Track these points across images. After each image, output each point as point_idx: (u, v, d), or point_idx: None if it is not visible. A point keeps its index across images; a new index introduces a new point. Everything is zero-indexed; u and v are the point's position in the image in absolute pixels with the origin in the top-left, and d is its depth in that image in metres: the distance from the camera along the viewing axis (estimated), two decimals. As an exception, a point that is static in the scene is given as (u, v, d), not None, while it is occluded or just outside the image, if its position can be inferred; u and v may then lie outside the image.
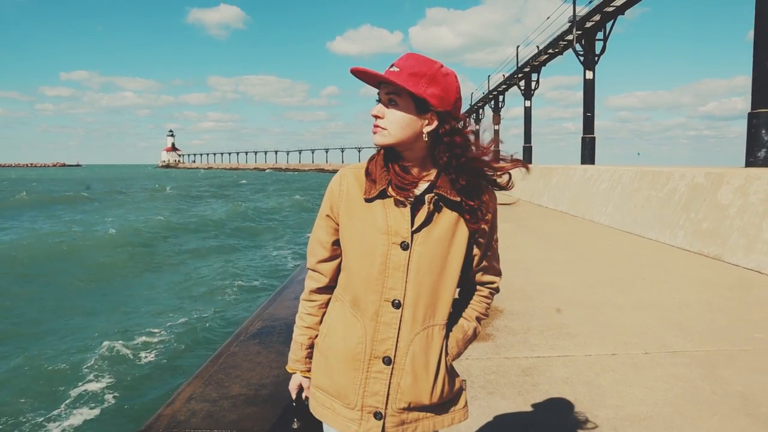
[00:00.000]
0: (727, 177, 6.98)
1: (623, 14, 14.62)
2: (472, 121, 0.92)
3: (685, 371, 3.20)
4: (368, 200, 1.24)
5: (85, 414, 5.69)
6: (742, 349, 3.54)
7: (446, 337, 1.29)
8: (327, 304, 1.37)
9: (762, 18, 8.10)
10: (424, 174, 1.25)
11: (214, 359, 4.02)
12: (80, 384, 6.34)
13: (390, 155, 1.25)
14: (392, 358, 1.23)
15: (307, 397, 1.39)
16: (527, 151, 24.04)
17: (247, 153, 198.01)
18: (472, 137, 1.24)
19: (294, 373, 1.43)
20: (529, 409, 2.76)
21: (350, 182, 1.28)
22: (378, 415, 1.24)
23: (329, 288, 1.36)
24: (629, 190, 9.68)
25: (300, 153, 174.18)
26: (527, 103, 24.09)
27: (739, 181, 6.69)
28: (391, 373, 1.23)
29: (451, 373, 1.31)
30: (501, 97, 31.21)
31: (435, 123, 1.20)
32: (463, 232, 1.25)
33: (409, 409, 1.25)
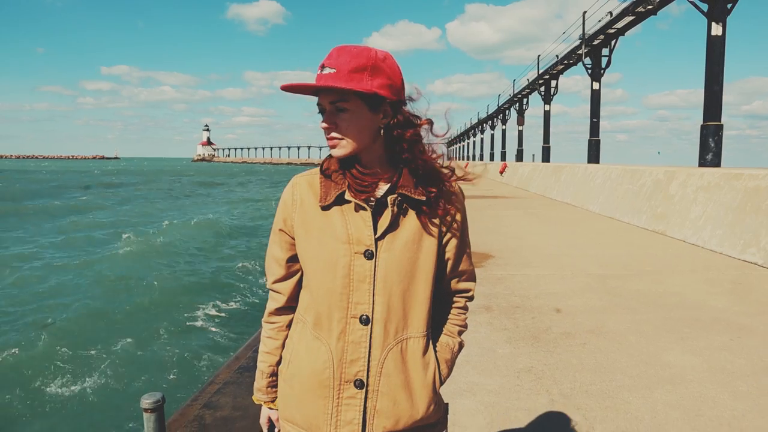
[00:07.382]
0: (677, 174, 9.26)
1: (623, 35, 16.96)
2: (428, 102, 1.16)
3: (589, 280, 5.64)
4: (324, 208, 1.14)
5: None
6: (631, 273, 5.96)
7: (426, 349, 1.17)
8: (289, 326, 1.25)
9: (712, 51, 10.30)
10: (384, 173, 1.15)
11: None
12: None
13: (344, 160, 1.15)
14: (365, 381, 1.11)
15: (278, 431, 1.29)
16: (546, 150, 26.31)
17: (280, 148, 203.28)
18: (424, 132, 1.17)
19: (261, 404, 1.32)
20: (495, 289, 5.25)
21: (304, 191, 1.17)
22: None
23: (290, 308, 1.25)
24: (615, 184, 11.97)
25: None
26: (546, 107, 26.37)
27: (683, 177, 8.98)
28: (366, 397, 1.12)
29: (435, 392, 1.18)
30: (525, 100, 33.42)
31: (389, 115, 1.12)
32: (432, 233, 1.16)
33: None
